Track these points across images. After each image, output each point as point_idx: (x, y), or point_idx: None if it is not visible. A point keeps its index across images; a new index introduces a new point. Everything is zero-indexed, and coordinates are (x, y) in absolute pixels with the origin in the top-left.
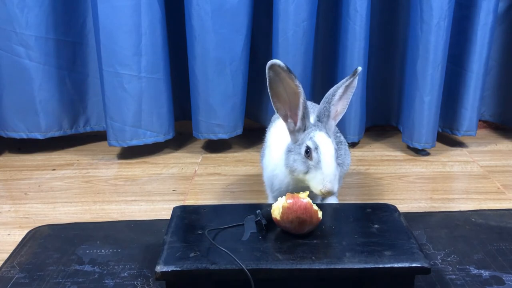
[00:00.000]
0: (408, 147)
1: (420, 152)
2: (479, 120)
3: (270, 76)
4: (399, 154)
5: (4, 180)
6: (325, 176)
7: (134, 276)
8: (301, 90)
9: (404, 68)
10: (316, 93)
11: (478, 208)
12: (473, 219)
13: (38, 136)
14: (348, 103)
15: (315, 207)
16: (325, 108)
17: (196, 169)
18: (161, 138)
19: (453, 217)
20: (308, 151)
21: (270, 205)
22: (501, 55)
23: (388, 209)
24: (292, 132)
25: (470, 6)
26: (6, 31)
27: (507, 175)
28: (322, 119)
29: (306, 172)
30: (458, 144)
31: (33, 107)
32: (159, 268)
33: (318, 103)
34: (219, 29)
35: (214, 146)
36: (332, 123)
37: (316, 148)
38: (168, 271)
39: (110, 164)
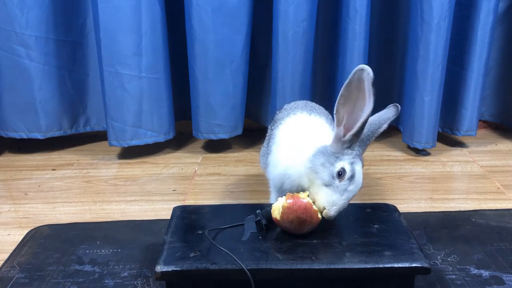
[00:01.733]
0: (408, 147)
1: (420, 152)
2: (479, 120)
3: (353, 79)
4: (399, 154)
5: (4, 180)
6: (338, 203)
7: (134, 276)
8: (370, 108)
9: (404, 68)
10: (316, 93)
11: (478, 208)
12: (473, 219)
13: (38, 136)
14: None
15: (315, 207)
16: (368, 137)
17: (196, 169)
18: (161, 138)
19: (453, 217)
20: (341, 174)
21: (270, 205)
22: (501, 55)
23: (388, 209)
24: (338, 140)
25: (470, 6)
26: (6, 31)
27: (507, 175)
28: (362, 146)
29: (327, 185)
30: (458, 144)
31: (33, 107)
32: (159, 268)
33: (318, 103)
34: (219, 29)
35: (214, 146)
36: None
37: (353, 177)
38: (168, 271)
39: (110, 164)
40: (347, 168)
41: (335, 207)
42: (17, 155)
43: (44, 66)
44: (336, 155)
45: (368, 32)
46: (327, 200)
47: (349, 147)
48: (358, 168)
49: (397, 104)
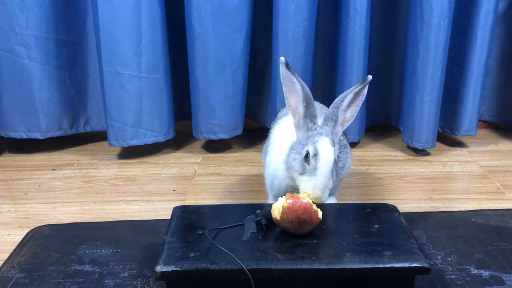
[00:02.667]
0: (408, 147)
1: (420, 152)
2: (479, 120)
3: (282, 71)
4: (399, 154)
5: (4, 180)
6: (316, 184)
7: (134, 276)
8: (298, 87)
9: (404, 68)
10: (316, 93)
11: (478, 208)
12: (473, 219)
13: (38, 136)
14: (357, 111)
15: (315, 207)
16: (333, 113)
17: (196, 169)
18: (161, 138)
19: (453, 217)
20: (307, 156)
21: (270, 205)
22: (501, 55)
23: (388, 209)
24: (296, 128)
25: (470, 6)
26: (6, 31)
27: (507, 175)
28: (329, 123)
29: (301, 174)
30: (458, 144)
31: (33, 107)
32: (159, 268)
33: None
34: (219, 29)
35: (214, 146)
36: (339, 129)
37: (316, 155)
38: (168, 271)
39: (110, 164)
40: (310, 150)
41: (316, 188)
42: (17, 155)
43: (44, 66)
44: (302, 143)
45: (368, 32)
46: (306, 186)
47: (308, 130)
48: (322, 144)
49: (368, 75)
